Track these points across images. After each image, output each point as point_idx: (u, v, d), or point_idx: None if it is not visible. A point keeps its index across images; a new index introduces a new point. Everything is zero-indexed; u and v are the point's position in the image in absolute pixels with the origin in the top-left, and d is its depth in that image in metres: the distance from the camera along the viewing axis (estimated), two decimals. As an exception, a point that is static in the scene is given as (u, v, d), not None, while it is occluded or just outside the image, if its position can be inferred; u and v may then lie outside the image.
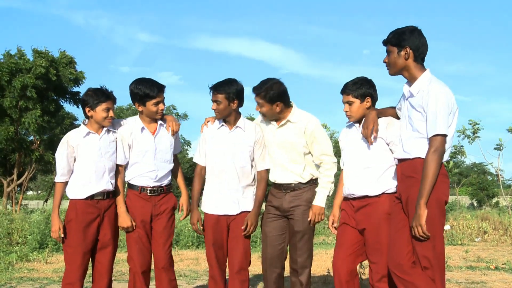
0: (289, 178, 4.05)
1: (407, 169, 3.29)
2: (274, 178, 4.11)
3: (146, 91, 3.88)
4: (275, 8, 77.35)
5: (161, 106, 3.96)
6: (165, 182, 4.07)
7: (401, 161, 3.37)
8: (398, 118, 3.61)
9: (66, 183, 3.92)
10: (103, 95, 3.88)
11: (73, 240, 3.82)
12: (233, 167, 4.00)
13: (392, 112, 3.67)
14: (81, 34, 72.74)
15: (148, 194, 3.98)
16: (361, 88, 3.67)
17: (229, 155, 4.01)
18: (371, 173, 3.60)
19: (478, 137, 16.85)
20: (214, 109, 4.00)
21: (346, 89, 3.71)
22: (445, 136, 3.12)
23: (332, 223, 3.83)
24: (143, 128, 4.00)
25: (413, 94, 3.27)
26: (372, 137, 3.57)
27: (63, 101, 22.77)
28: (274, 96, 3.96)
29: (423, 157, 3.17)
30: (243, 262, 3.98)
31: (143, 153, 3.99)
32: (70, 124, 24.93)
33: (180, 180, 4.30)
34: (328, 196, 4.04)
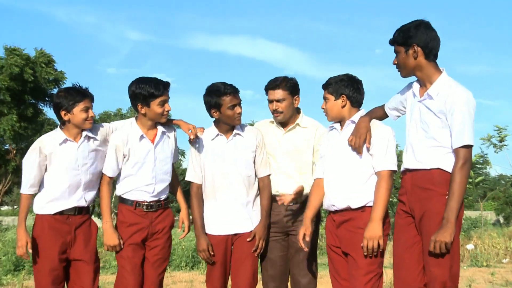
0: (293, 188, 4.02)
1: (421, 180, 3.28)
2: (276, 188, 4.09)
3: (150, 89, 3.82)
4: (277, 4, 77.89)
5: (167, 106, 3.91)
6: (163, 196, 4.02)
7: (411, 171, 3.35)
8: (384, 118, 3.69)
9: (34, 195, 3.84)
10: (78, 93, 3.78)
11: (41, 259, 3.75)
12: (239, 179, 4.00)
13: (381, 113, 3.70)
14: (64, 32, 73.23)
15: (145, 210, 3.92)
16: (337, 84, 3.70)
17: (234, 166, 4.00)
18: (353, 181, 3.59)
19: (505, 145, 16.74)
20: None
21: (325, 84, 3.77)
22: (472, 147, 3.14)
23: (304, 237, 3.72)
24: (142, 136, 3.92)
25: (432, 96, 3.25)
26: (364, 148, 3.56)
27: (42, 104, 22.75)
28: (296, 88, 4.11)
29: (443, 168, 3.20)
30: (252, 285, 3.97)
31: (140, 165, 3.91)
32: (51, 130, 24.88)
33: (178, 193, 4.23)
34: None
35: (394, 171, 3.53)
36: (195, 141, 4.05)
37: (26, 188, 3.80)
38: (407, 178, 3.39)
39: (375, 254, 3.44)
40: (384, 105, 3.71)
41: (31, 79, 20.47)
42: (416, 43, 3.26)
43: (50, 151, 3.78)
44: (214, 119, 4.08)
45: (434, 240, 3.10)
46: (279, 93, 4.05)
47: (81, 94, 3.78)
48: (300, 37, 78.44)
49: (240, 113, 3.98)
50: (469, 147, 3.13)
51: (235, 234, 3.99)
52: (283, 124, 4.14)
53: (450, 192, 3.12)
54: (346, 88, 3.68)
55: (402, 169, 3.47)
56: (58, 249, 3.76)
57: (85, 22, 68.50)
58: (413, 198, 3.31)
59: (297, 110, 4.17)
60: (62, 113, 3.78)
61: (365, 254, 3.43)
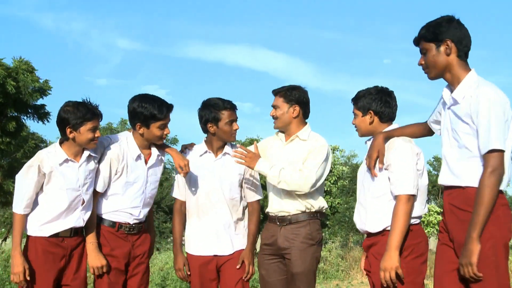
0: (289, 206, 4.06)
1: (456, 200, 3.13)
2: (271, 205, 4.14)
3: (153, 111, 3.83)
4: (279, 11, 77.97)
5: (167, 130, 3.94)
6: (144, 218, 4.04)
7: (447, 188, 3.22)
8: (424, 135, 3.59)
9: (28, 214, 3.72)
10: (88, 111, 3.69)
11: (35, 285, 3.66)
12: (223, 199, 4.08)
13: (412, 131, 3.59)
14: (50, 40, 73.13)
15: (126, 232, 3.93)
16: (365, 99, 3.69)
17: (218, 186, 4.08)
18: (372, 204, 3.58)
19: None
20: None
21: (353, 98, 3.79)
22: (502, 152, 2.96)
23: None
24: (139, 156, 3.95)
25: (457, 100, 3.13)
26: (377, 168, 3.53)
27: (25, 117, 22.66)
28: (295, 98, 4.15)
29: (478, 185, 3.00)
30: None
31: (130, 185, 3.92)
32: (35, 146, 24.79)
33: (150, 218, 4.25)
34: (272, 180, 3.98)
35: (412, 196, 3.41)
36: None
37: (21, 208, 3.67)
38: (444, 196, 3.27)
39: (395, 285, 3.34)
40: (426, 121, 3.58)
41: (13, 91, 20.37)
42: (450, 38, 3.15)
43: (50, 170, 3.68)
44: (205, 136, 4.20)
45: (461, 264, 2.96)
46: (276, 100, 4.20)
47: (91, 112, 3.70)
48: (303, 46, 78.26)
49: (236, 130, 4.10)
50: (497, 151, 2.93)
51: (218, 257, 4.04)
52: (286, 136, 4.23)
53: (475, 204, 2.94)
54: (373, 102, 3.66)
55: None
56: (53, 277, 3.70)
57: (73, 29, 68.56)
58: (451, 219, 3.16)
59: (303, 123, 4.23)
60: (68, 130, 3.67)
61: (384, 286, 3.37)
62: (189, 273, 4.04)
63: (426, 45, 3.24)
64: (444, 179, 3.23)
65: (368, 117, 3.68)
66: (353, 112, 3.78)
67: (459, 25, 3.18)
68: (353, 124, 3.79)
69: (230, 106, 4.07)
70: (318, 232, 4.14)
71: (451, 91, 3.21)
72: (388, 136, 3.57)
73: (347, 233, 19.44)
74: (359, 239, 18.19)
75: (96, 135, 3.71)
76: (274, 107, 4.19)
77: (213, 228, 4.05)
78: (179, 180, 4.15)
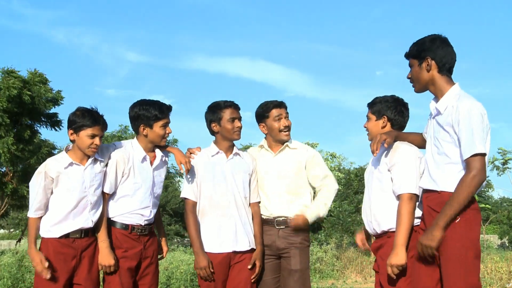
0: (285, 210, 4.07)
1: (433, 203, 3.20)
2: (269, 210, 4.12)
3: (154, 111, 3.90)
4: (278, 25, 77.84)
5: (168, 129, 3.98)
6: (153, 219, 4.03)
7: (426, 191, 3.29)
8: (420, 146, 3.58)
9: (41, 217, 3.78)
10: (90, 118, 3.73)
11: (46, 286, 3.68)
12: (238, 197, 4.03)
13: (414, 138, 3.61)
14: (62, 53, 73.06)
15: (138, 234, 3.92)
16: (381, 105, 3.71)
17: (233, 185, 4.04)
18: (378, 204, 3.59)
19: (508, 168, 16.67)
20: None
21: (370, 103, 3.80)
22: (485, 155, 3.02)
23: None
24: (144, 158, 3.97)
25: (440, 111, 3.22)
26: (382, 168, 3.57)
27: (38, 125, 22.67)
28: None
29: (453, 191, 3.06)
30: None
31: (138, 186, 3.92)
32: (48, 153, 24.68)
33: (158, 218, 4.22)
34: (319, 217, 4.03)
35: (415, 195, 3.43)
36: (195, 158, 4.09)
37: (32, 211, 3.76)
38: (423, 199, 3.34)
39: (399, 279, 3.41)
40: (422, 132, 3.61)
41: (29, 101, 20.42)
42: (430, 56, 3.25)
43: (56, 174, 3.74)
44: (213, 139, 4.17)
45: (421, 243, 3.08)
46: (285, 110, 4.21)
47: (92, 120, 3.74)
48: (301, 58, 77.87)
49: (239, 128, 4.06)
50: (480, 155, 3.00)
51: (233, 254, 3.98)
52: (273, 147, 4.22)
53: (451, 197, 3.03)
54: (389, 109, 3.69)
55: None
56: (65, 276, 3.72)
57: (83, 43, 68.40)
58: (429, 220, 3.22)
59: None
60: (70, 131, 3.77)
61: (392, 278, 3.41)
62: (212, 270, 3.90)
63: (412, 61, 3.36)
64: (424, 183, 3.31)
65: (381, 121, 3.71)
66: (367, 116, 3.78)
67: (441, 44, 3.26)
68: (365, 127, 3.79)
69: (231, 105, 4.07)
70: (309, 237, 4.18)
71: (436, 103, 3.28)
72: (399, 136, 3.61)
73: (341, 234, 19.39)
74: (352, 241, 18.17)
75: (94, 142, 3.74)
76: (287, 116, 4.22)
77: (231, 226, 3.97)
78: (191, 181, 4.05)
